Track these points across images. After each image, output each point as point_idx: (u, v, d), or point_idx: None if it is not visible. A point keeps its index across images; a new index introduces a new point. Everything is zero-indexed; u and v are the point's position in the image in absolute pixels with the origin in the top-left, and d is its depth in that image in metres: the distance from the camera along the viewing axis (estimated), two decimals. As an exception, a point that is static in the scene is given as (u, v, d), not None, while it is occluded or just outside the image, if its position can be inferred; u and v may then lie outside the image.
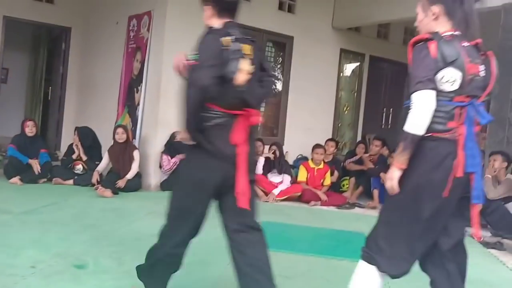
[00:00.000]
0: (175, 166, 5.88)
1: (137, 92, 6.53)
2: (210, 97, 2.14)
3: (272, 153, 6.35)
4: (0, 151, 7.28)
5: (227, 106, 2.22)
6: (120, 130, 5.93)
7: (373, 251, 2.10)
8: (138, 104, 6.45)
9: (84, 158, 6.18)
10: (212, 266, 3.20)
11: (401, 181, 1.97)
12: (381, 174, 6.05)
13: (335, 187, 6.60)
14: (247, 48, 2.24)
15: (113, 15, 7.22)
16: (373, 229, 2.17)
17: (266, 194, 6.02)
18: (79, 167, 6.15)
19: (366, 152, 6.94)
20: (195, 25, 6.15)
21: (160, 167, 6.08)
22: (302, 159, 7.02)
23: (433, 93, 1.89)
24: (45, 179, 5.98)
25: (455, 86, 1.92)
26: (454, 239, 2.06)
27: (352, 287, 2.15)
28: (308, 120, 7.75)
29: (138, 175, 5.99)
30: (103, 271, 2.94)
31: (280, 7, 7.36)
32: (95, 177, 5.83)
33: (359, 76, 8.69)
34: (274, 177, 6.25)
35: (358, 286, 2.13)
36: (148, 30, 6.39)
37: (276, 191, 6.01)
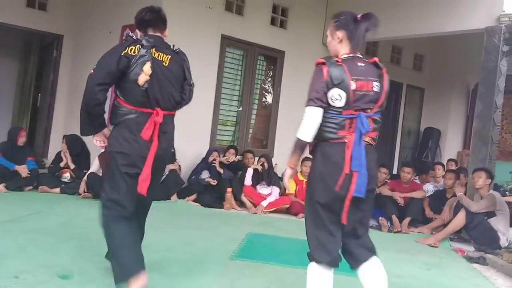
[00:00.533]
0: (164, 176, 5.84)
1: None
2: (99, 102, 2.69)
3: (261, 165, 6.40)
4: None
5: (136, 104, 2.72)
6: None
7: (310, 248, 2.44)
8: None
9: (72, 166, 6.13)
10: (200, 277, 3.21)
11: (308, 181, 2.51)
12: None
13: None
14: (162, 56, 2.80)
15: (106, 24, 7.25)
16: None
17: (255, 205, 6.05)
18: (66, 175, 6.08)
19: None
20: (187, 36, 6.35)
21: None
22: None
23: (320, 110, 2.37)
24: (31, 187, 5.88)
25: (342, 103, 2.36)
26: (351, 226, 2.46)
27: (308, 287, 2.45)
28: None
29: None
30: (89, 281, 2.90)
31: (272, 22, 7.49)
32: (82, 187, 5.78)
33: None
34: (263, 189, 6.29)
35: (312, 285, 2.43)
36: (141, 40, 6.43)
37: (264, 203, 6.05)
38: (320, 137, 2.42)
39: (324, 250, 2.39)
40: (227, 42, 6.91)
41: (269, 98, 7.76)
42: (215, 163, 6.23)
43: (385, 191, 6.10)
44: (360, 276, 2.49)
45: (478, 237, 4.93)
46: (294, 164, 2.54)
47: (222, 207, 5.95)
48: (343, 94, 2.35)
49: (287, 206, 6.16)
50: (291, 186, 6.35)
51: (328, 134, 2.40)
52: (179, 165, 6.23)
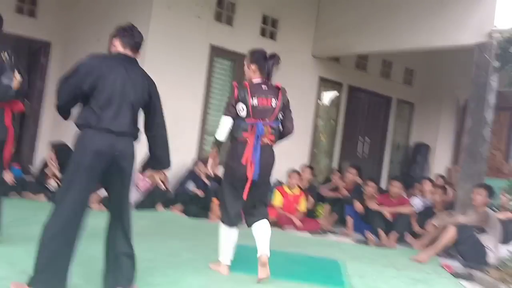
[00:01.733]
0: (150, 185, 5.90)
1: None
2: None
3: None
4: None
5: None
6: None
7: (221, 214, 3.69)
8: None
9: (59, 175, 6.03)
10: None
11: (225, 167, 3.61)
12: (354, 202, 6.12)
13: (310, 213, 6.61)
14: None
15: (95, 32, 7.20)
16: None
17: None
18: (52, 183, 6.02)
19: (341, 179, 7.01)
20: (176, 47, 6.32)
21: (137, 187, 6.02)
22: (277, 184, 7.02)
23: (229, 118, 3.49)
24: (15, 193, 5.80)
25: (245, 114, 3.47)
26: (251, 200, 3.57)
27: (220, 244, 3.65)
28: (285, 146, 7.71)
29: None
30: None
31: (262, 33, 7.48)
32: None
33: (337, 105, 8.81)
34: (249, 201, 6.22)
35: (222, 241, 3.66)
36: (130, 49, 6.39)
37: (251, 215, 5.98)
38: (231, 137, 3.53)
39: (226, 215, 3.57)
40: (216, 52, 6.88)
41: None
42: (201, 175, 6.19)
43: (373, 205, 6.06)
44: (253, 230, 3.60)
45: (467, 251, 4.88)
46: (213, 156, 3.65)
47: (208, 218, 5.87)
48: (244, 107, 3.46)
49: (274, 219, 6.08)
50: (277, 199, 6.30)
51: (237, 134, 3.49)
52: (165, 175, 6.16)
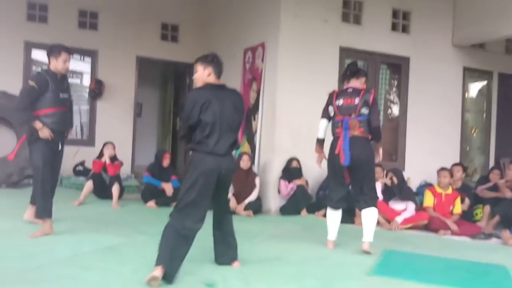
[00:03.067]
0: (292, 192, 5.96)
1: (254, 120, 6.73)
2: None
3: (389, 179, 5.99)
4: (138, 178, 7.90)
5: None
6: (246, 157, 6.14)
7: (327, 200, 4.37)
8: (256, 131, 6.64)
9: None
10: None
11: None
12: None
13: (467, 216, 5.98)
14: None
15: (229, 49, 7.57)
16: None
17: (389, 221, 5.65)
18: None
19: (501, 178, 6.24)
20: (305, 53, 6.31)
21: (279, 192, 6.16)
22: (426, 186, 6.53)
23: (325, 120, 4.29)
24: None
25: (332, 113, 4.20)
26: (357, 184, 4.19)
27: (327, 224, 4.31)
28: (431, 144, 7.26)
29: (259, 198, 6.14)
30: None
31: (394, 27, 7.11)
32: (233, 203, 5.91)
33: (487, 96, 8.00)
34: (396, 204, 5.85)
35: (328, 221, 4.29)
36: (262, 61, 6.60)
37: (399, 219, 5.61)
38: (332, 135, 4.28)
39: (330, 199, 4.25)
40: (346, 53, 6.70)
41: (395, 109, 7.33)
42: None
43: None
44: (362, 216, 4.11)
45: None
46: (317, 150, 4.40)
47: (353, 223, 5.67)
48: (332, 109, 4.23)
49: (425, 222, 5.64)
50: (428, 199, 5.83)
51: (333, 131, 4.23)
52: (306, 181, 6.17)
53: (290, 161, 6.14)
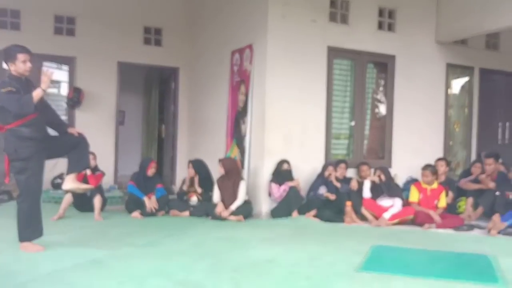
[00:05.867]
0: (284, 193, 6.01)
1: (243, 124, 6.76)
2: None
3: (377, 176, 6.18)
4: (121, 188, 7.81)
5: None
6: (222, 163, 6.17)
7: None
8: (245, 135, 6.67)
9: (199, 190, 6.42)
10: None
11: None
12: (507, 193, 5.63)
13: (450, 209, 6.21)
14: None
15: (216, 51, 7.61)
16: None
17: (377, 218, 5.85)
18: (194, 199, 6.41)
19: (482, 171, 6.47)
20: (294, 53, 6.43)
21: (269, 195, 6.21)
22: (412, 181, 6.74)
23: None
24: (164, 212, 6.30)
25: None
26: None
27: None
28: (416, 141, 7.44)
29: (248, 202, 6.15)
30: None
31: (380, 26, 7.24)
32: (221, 207, 5.96)
33: (469, 91, 8.20)
34: (384, 201, 6.06)
35: None
36: (250, 63, 6.62)
37: (387, 215, 5.81)
38: None
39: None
40: (333, 53, 6.81)
41: (382, 108, 7.50)
42: (331, 178, 6.19)
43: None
44: None
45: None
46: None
47: (342, 221, 5.85)
48: None
49: (411, 217, 5.85)
50: (413, 195, 6.04)
51: None
52: (298, 182, 6.18)
53: (280, 163, 6.16)
